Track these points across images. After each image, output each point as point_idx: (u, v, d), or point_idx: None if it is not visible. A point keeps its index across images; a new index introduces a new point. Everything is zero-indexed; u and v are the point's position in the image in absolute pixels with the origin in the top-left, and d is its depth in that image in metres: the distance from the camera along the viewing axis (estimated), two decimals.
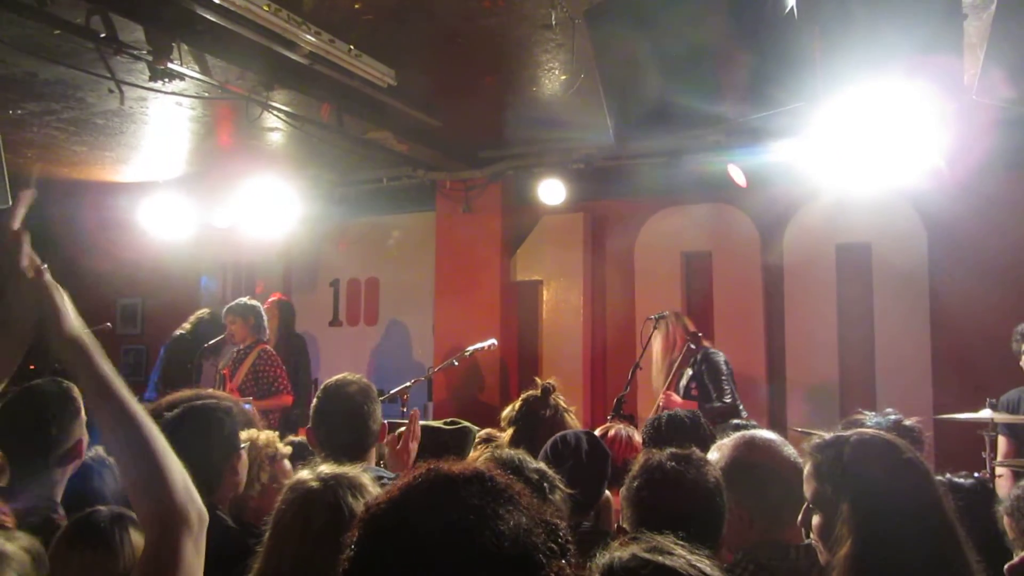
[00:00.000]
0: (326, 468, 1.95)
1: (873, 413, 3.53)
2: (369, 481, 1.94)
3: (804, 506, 2.07)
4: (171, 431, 2.05)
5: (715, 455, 2.36)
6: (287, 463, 2.93)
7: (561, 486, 2.35)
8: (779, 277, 6.61)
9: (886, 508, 1.88)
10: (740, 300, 6.70)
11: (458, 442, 3.57)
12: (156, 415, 2.64)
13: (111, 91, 5.11)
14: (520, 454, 2.46)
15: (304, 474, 1.96)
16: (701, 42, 3.52)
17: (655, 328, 5.68)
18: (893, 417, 3.46)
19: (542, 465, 2.43)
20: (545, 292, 7.44)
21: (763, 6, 3.42)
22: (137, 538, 2.12)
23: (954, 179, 5.50)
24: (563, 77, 5.23)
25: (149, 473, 1.45)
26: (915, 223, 6.14)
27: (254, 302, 6.45)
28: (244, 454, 2.68)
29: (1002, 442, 4.75)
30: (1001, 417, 4.41)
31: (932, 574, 1.83)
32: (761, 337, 6.61)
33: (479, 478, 1.14)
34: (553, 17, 4.09)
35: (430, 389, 7.37)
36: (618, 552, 1.42)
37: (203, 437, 2.50)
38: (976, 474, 4.28)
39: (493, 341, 5.58)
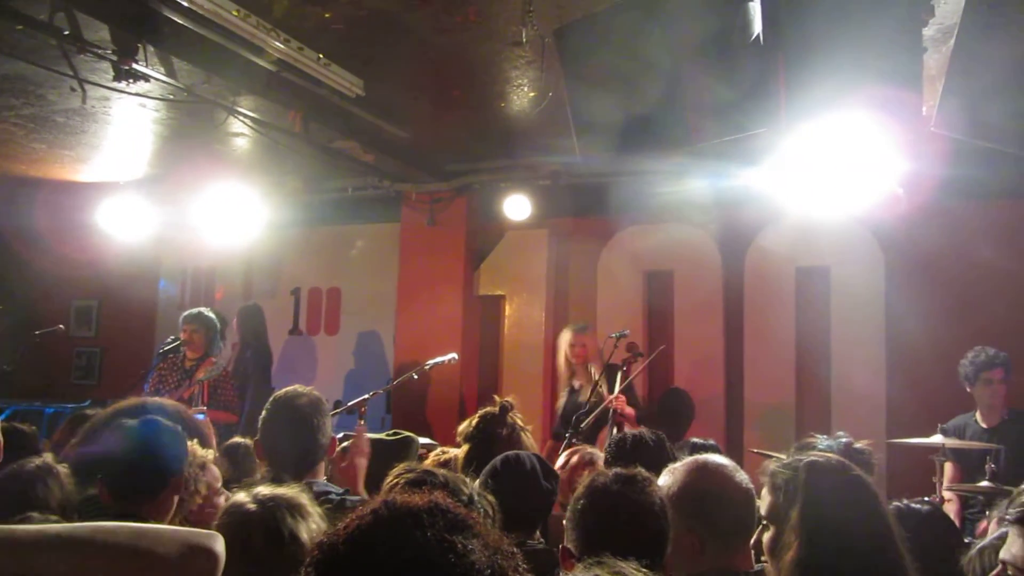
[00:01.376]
0: (264, 489, 1.92)
1: (824, 436, 3.59)
2: (308, 501, 1.91)
3: (759, 527, 2.10)
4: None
5: (667, 479, 2.37)
6: (215, 468, 2.87)
7: (491, 506, 2.36)
8: (739, 298, 6.68)
9: (831, 516, 1.99)
10: (700, 320, 6.76)
11: (400, 453, 3.54)
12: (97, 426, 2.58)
13: (73, 89, 5.06)
14: (451, 474, 2.46)
15: (241, 496, 1.92)
16: (669, 66, 3.56)
17: (616, 345, 5.70)
18: (844, 440, 3.52)
19: (472, 486, 2.42)
20: (507, 307, 7.45)
21: (731, 33, 3.47)
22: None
23: (911, 206, 5.63)
24: (531, 94, 5.26)
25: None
26: (873, 248, 6.26)
27: (213, 314, 6.35)
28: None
29: (949, 468, 4.84)
30: (951, 443, 4.49)
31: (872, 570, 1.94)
32: (720, 357, 6.67)
33: (440, 510, 1.10)
34: (524, 34, 4.10)
35: (389, 402, 7.32)
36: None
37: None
38: (927, 498, 4.38)
39: (454, 355, 5.55)
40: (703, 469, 2.37)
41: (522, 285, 7.37)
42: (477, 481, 2.70)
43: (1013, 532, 1.72)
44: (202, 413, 5.01)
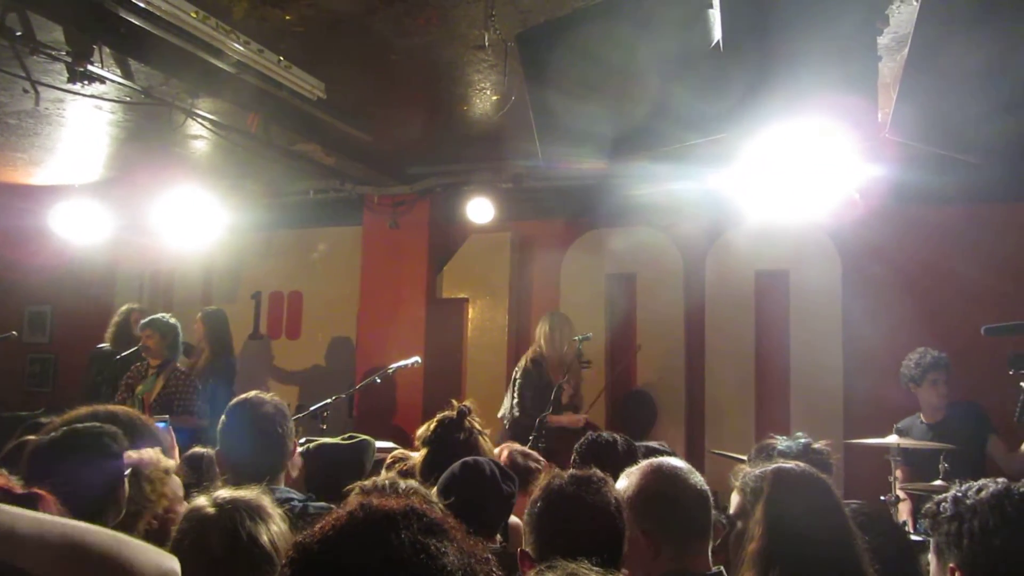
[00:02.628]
0: (223, 493, 1.90)
1: (784, 437, 3.63)
2: (269, 504, 1.89)
3: (729, 527, 2.15)
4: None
5: (624, 482, 2.39)
6: (176, 478, 2.82)
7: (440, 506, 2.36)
8: (700, 301, 6.75)
9: (793, 511, 2.08)
10: (662, 322, 6.82)
11: (355, 456, 3.51)
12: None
13: (26, 91, 4.93)
14: (396, 479, 2.47)
15: (201, 500, 1.89)
16: (631, 71, 3.59)
17: (579, 349, 5.74)
18: (803, 441, 3.57)
19: (416, 484, 2.42)
20: (470, 310, 7.44)
21: (692, 38, 3.51)
22: None
23: (868, 211, 5.74)
24: (494, 97, 5.27)
25: None
26: (830, 252, 6.37)
27: (175, 321, 6.25)
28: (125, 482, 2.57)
29: (901, 468, 4.96)
30: (907, 443, 4.59)
31: (829, 563, 2.01)
32: (682, 359, 6.74)
33: (415, 514, 1.12)
34: (486, 38, 4.11)
35: (351, 406, 7.27)
36: None
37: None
38: (883, 497, 4.47)
39: (417, 359, 5.54)
40: (658, 472, 2.39)
41: (485, 288, 7.37)
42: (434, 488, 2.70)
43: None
44: (164, 421, 4.91)
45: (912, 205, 6.03)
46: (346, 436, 3.60)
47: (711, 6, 3.44)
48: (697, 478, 2.39)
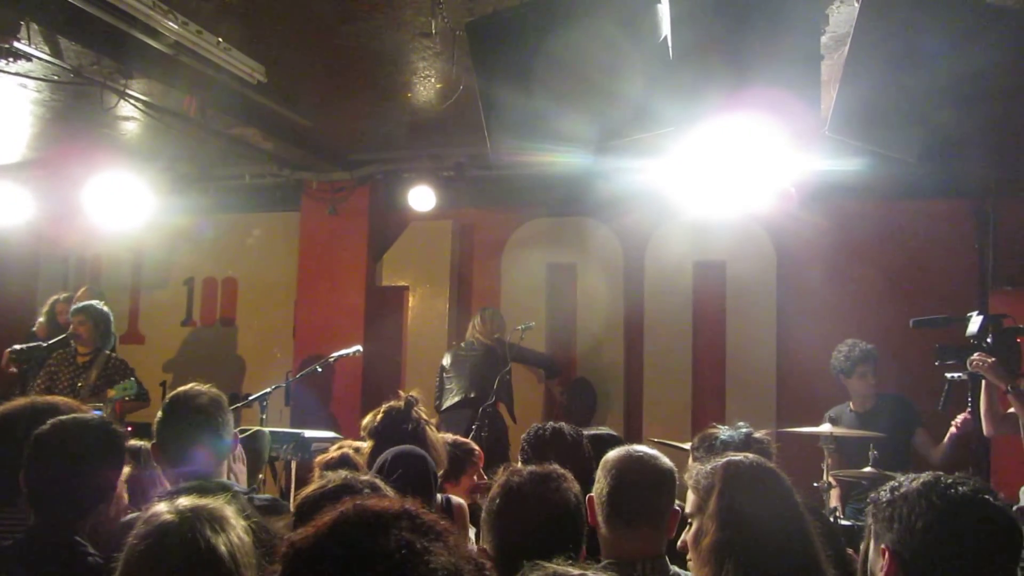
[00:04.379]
0: (185, 500, 1.84)
1: (726, 427, 3.70)
2: (232, 513, 1.84)
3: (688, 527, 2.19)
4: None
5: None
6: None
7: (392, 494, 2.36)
8: (640, 291, 6.83)
9: (745, 503, 2.10)
10: (602, 312, 6.88)
11: (251, 446, 3.46)
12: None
13: None
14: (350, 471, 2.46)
15: (160, 506, 1.83)
16: (578, 65, 3.60)
17: (522, 337, 5.76)
18: (744, 430, 3.63)
19: (375, 479, 2.41)
20: (411, 298, 7.39)
21: (639, 33, 3.54)
22: None
23: (803, 205, 5.87)
24: (438, 85, 5.22)
25: None
26: (766, 244, 6.51)
27: (107, 308, 6.04)
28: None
29: (831, 455, 5.13)
30: (840, 431, 4.73)
31: (785, 551, 2.05)
32: (621, 349, 6.82)
33: (407, 514, 1.15)
34: (433, 26, 4.07)
35: (288, 394, 7.15)
36: None
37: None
38: (816, 483, 4.61)
39: (358, 348, 5.49)
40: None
41: (426, 276, 7.33)
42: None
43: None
44: (98, 410, 4.77)
45: (846, 199, 6.20)
46: (239, 429, 3.53)
47: (659, 1, 3.48)
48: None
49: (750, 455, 2.29)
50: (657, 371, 6.72)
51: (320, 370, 5.28)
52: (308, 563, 1.12)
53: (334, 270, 7.29)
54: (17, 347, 6.25)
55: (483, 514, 2.24)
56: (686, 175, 5.88)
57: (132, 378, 5.70)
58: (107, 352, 5.88)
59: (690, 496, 2.21)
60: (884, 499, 1.86)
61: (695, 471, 2.24)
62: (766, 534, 2.04)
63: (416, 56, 4.81)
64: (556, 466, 2.37)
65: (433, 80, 5.15)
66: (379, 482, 2.36)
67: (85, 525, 2.40)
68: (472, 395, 5.92)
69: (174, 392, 2.96)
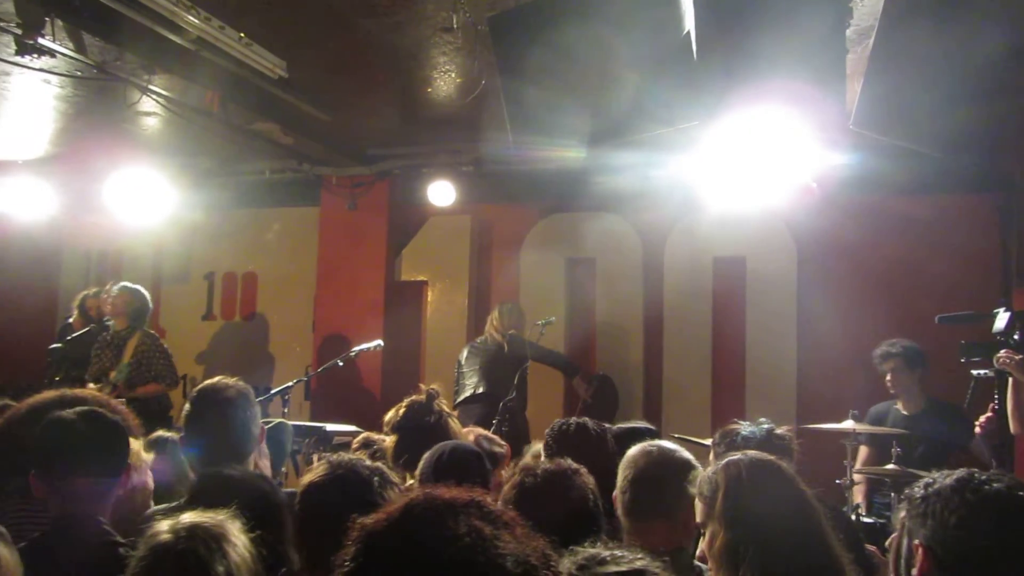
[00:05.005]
0: (186, 518, 1.85)
1: (747, 423, 3.68)
2: (235, 531, 1.85)
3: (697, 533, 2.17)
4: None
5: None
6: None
7: (396, 482, 2.36)
8: (659, 286, 6.81)
9: (749, 499, 2.07)
10: (621, 307, 6.87)
11: (273, 438, 3.47)
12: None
13: None
14: (362, 453, 2.46)
15: (161, 525, 1.84)
16: (601, 60, 3.58)
17: (542, 333, 5.76)
18: (766, 426, 3.61)
19: (378, 464, 2.42)
20: (429, 293, 7.41)
21: (662, 27, 3.52)
22: (6, 553, 1.97)
23: (824, 200, 5.83)
24: (459, 80, 5.22)
25: None
26: (786, 239, 6.46)
27: (145, 292, 6.15)
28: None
29: (863, 451, 5.05)
30: (863, 428, 4.68)
31: (800, 548, 2.01)
32: (640, 344, 6.80)
33: (475, 504, 1.19)
34: (454, 20, 4.07)
35: (308, 389, 7.19)
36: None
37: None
38: (837, 481, 4.57)
39: (379, 342, 5.50)
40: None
41: (445, 271, 7.34)
42: (418, 471, 2.70)
43: None
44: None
45: (868, 194, 6.14)
46: (262, 421, 3.55)
47: None
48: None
49: (750, 452, 2.26)
50: (677, 367, 6.70)
51: (341, 364, 5.30)
52: (380, 548, 1.16)
53: (353, 265, 7.31)
54: (52, 346, 6.41)
55: None
56: (706, 170, 5.85)
57: (128, 362, 5.82)
58: (141, 331, 5.97)
59: (698, 505, 2.18)
60: (918, 495, 1.85)
61: (699, 479, 2.21)
62: (777, 530, 2.01)
63: (436, 51, 4.81)
64: (570, 461, 2.37)
65: (453, 75, 5.15)
66: (385, 468, 2.37)
67: (107, 512, 2.43)
68: (480, 390, 5.93)
69: (201, 385, 2.99)
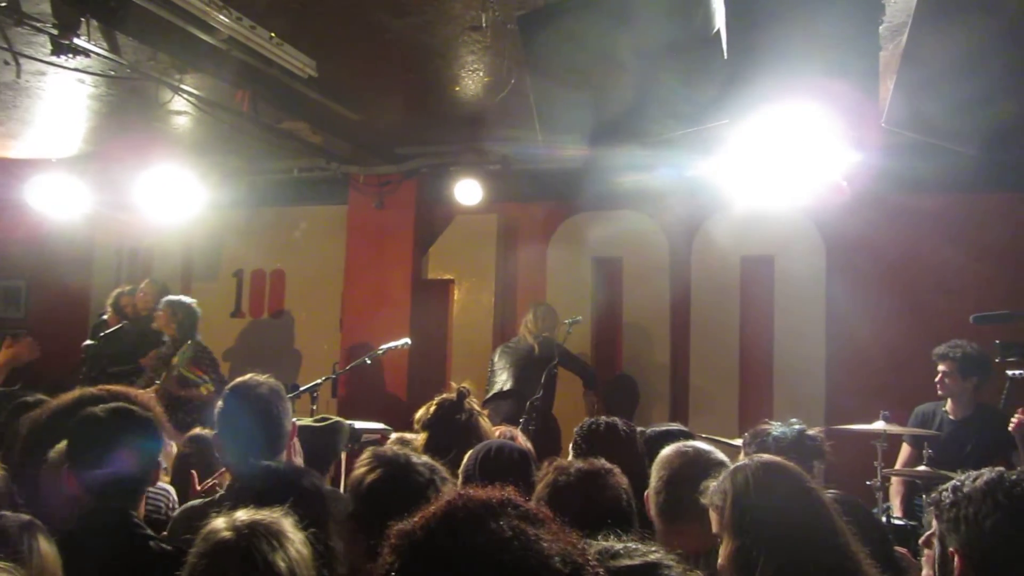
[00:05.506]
0: (242, 515, 1.86)
1: (778, 423, 3.65)
2: (290, 527, 1.86)
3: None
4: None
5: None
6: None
7: (451, 479, 2.36)
8: (686, 285, 6.77)
9: (754, 504, 2.03)
10: (648, 306, 6.84)
11: (328, 438, 3.50)
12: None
13: (7, 63, 4.82)
14: (406, 450, 2.46)
15: (218, 522, 1.84)
16: (629, 56, 3.57)
17: (569, 332, 5.75)
18: (797, 427, 3.58)
19: (428, 459, 2.42)
20: (456, 291, 7.42)
21: (691, 26, 3.50)
22: (46, 547, 2.00)
23: (853, 198, 5.77)
24: (486, 79, 5.23)
25: None
26: (815, 238, 6.40)
27: (190, 301, 6.20)
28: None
29: (904, 450, 4.99)
30: (894, 429, 4.63)
31: (815, 552, 1.97)
32: (667, 343, 6.77)
33: (511, 503, 1.17)
34: (483, 19, 4.07)
35: (335, 386, 7.23)
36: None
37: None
38: (868, 482, 4.53)
39: (407, 340, 5.53)
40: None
41: (471, 269, 7.35)
42: (462, 469, 2.70)
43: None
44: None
45: (899, 193, 6.06)
46: (318, 418, 3.57)
47: None
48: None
49: (756, 456, 2.22)
50: (704, 367, 6.66)
51: (369, 362, 5.33)
52: (424, 554, 1.13)
53: (380, 263, 7.34)
54: (86, 343, 6.51)
55: None
56: (734, 168, 5.82)
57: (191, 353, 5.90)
58: (191, 342, 6.03)
59: (712, 515, 2.14)
60: (947, 500, 1.82)
61: (708, 490, 2.18)
62: (786, 532, 1.97)
63: (465, 50, 4.82)
64: (603, 461, 2.36)
65: (481, 73, 5.16)
66: (438, 465, 2.37)
67: (137, 506, 2.47)
68: (508, 387, 5.93)
69: (234, 382, 3.02)
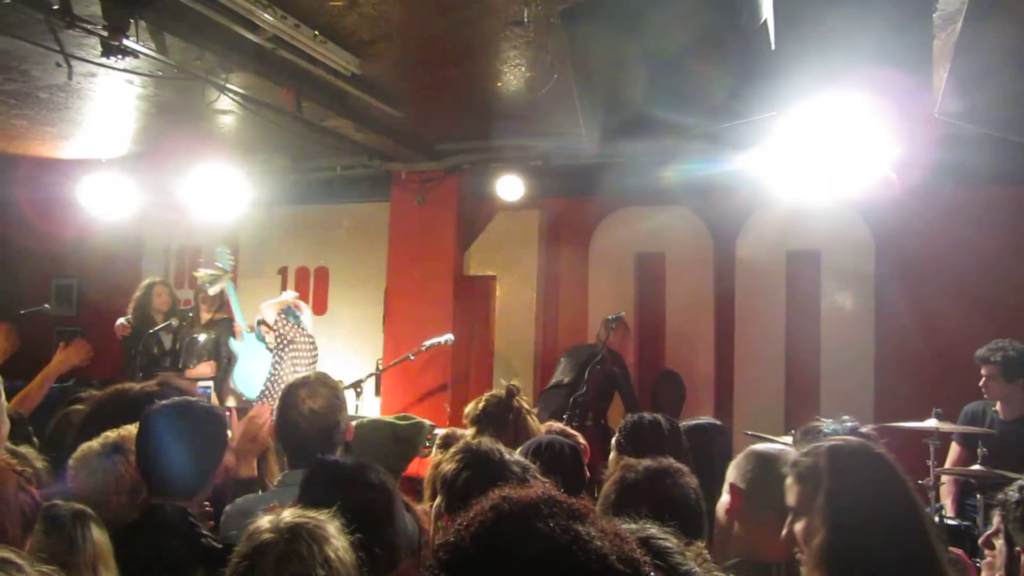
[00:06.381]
0: (286, 516, 1.86)
1: (831, 420, 3.58)
2: (334, 530, 1.86)
3: (789, 518, 2.09)
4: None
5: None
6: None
7: (542, 479, 2.35)
8: (730, 281, 6.70)
9: (855, 498, 1.98)
10: (692, 302, 6.78)
11: (411, 437, 3.53)
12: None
13: (59, 65, 4.90)
14: (498, 445, 2.44)
15: (263, 522, 1.85)
16: (674, 48, 3.53)
17: (612, 327, 5.71)
18: (849, 424, 3.51)
19: (520, 457, 2.42)
20: (498, 288, 7.43)
21: (737, 18, 3.44)
22: (99, 536, 2.04)
23: (902, 191, 5.64)
24: (528, 74, 5.21)
25: None
26: (863, 232, 6.28)
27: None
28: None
29: (954, 449, 4.87)
30: (947, 427, 4.52)
31: (898, 557, 1.91)
32: (711, 339, 6.70)
33: (554, 499, 1.11)
34: (526, 15, 4.05)
35: (378, 382, 7.29)
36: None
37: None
38: (920, 481, 4.43)
39: (450, 336, 5.55)
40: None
41: (513, 266, 7.35)
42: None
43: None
44: (206, 388, 5.05)
45: (952, 185, 5.90)
46: (400, 416, 3.62)
47: None
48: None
49: (852, 439, 2.17)
50: (749, 363, 6.58)
51: (412, 358, 5.35)
52: (473, 561, 1.08)
53: (423, 260, 7.37)
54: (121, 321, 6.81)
55: (597, 509, 2.21)
56: (780, 161, 5.72)
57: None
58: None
59: (793, 486, 2.09)
60: (1013, 499, 1.77)
61: (794, 459, 2.12)
62: (881, 533, 1.91)
63: (507, 45, 4.80)
64: (672, 460, 2.33)
65: (523, 69, 5.14)
66: (528, 463, 2.38)
67: (197, 504, 2.50)
68: (565, 380, 5.90)
69: (291, 382, 3.06)
